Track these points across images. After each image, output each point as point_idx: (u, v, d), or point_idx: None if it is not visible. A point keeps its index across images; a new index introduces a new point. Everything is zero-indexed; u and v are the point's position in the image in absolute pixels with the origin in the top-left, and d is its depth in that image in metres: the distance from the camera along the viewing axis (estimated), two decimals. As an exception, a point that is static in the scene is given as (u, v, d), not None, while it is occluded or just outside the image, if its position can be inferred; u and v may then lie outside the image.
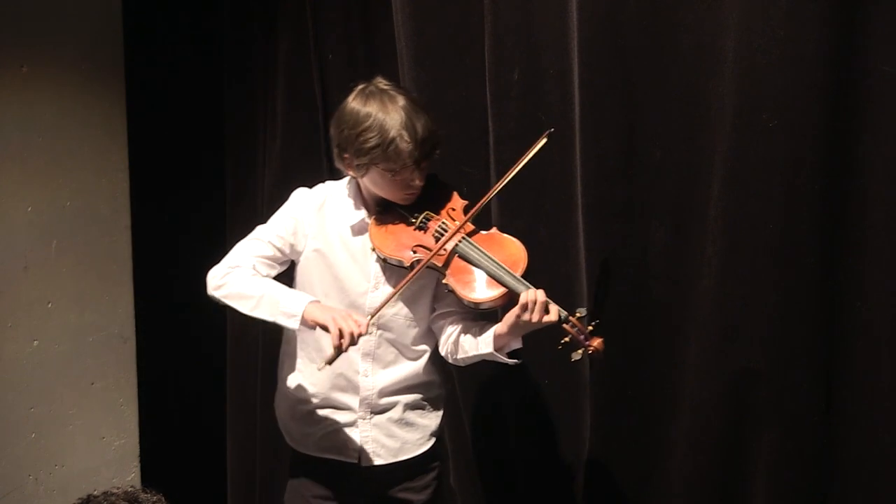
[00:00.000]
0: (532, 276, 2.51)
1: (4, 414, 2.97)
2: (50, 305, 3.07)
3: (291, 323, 2.34)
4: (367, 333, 2.31)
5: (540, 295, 2.24)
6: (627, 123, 2.44)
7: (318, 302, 2.37)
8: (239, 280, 2.39)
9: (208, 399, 3.56)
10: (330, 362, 2.30)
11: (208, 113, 3.44)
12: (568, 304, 2.41)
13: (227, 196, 3.43)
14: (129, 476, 3.35)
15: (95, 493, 1.82)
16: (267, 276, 2.43)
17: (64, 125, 3.07)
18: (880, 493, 2.28)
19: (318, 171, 2.79)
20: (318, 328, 2.33)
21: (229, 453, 3.53)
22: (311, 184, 2.50)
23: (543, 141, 2.35)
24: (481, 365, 2.76)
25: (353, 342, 2.27)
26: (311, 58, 3.09)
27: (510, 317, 2.27)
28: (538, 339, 2.61)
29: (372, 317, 2.34)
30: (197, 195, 3.47)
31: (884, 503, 2.28)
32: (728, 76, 2.27)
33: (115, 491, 1.81)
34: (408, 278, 2.34)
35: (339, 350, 2.26)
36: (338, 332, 2.26)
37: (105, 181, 3.20)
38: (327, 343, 2.31)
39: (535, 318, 2.24)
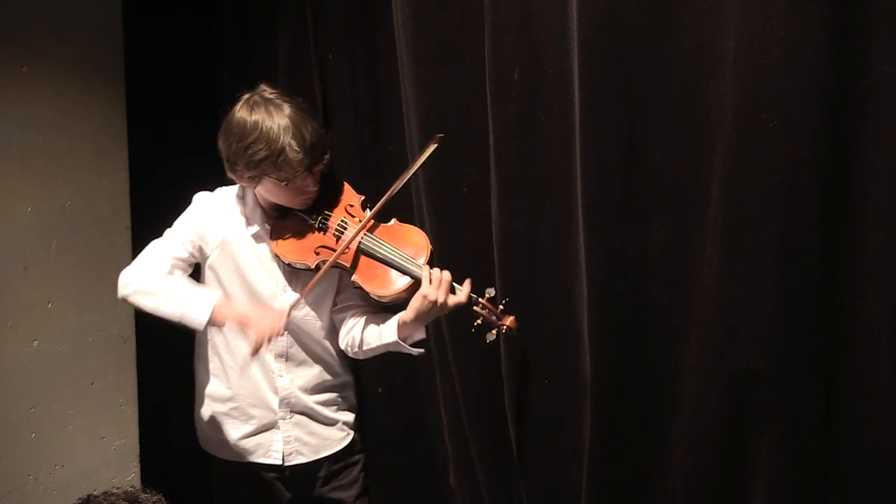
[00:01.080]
0: (532, 276, 2.52)
1: (4, 414, 2.96)
2: (50, 305, 3.07)
3: (200, 316, 2.31)
4: (282, 334, 2.32)
5: (445, 275, 2.24)
6: (627, 123, 2.44)
7: (228, 299, 2.36)
8: (148, 277, 2.37)
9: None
10: (255, 353, 2.30)
11: (208, 113, 3.43)
12: (569, 305, 2.42)
13: (226, 196, 3.43)
14: (129, 476, 3.35)
15: (95, 493, 1.82)
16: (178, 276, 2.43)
17: (64, 125, 3.07)
18: (880, 493, 2.28)
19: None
20: (226, 324, 2.31)
21: (229, 453, 3.53)
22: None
23: (433, 146, 2.36)
24: (481, 365, 2.77)
25: (277, 334, 2.28)
26: (311, 58, 3.09)
27: (416, 301, 2.27)
28: (539, 339, 2.62)
29: (288, 314, 2.35)
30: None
31: (884, 503, 2.28)
32: (728, 76, 2.27)
33: (115, 491, 1.82)
34: (314, 281, 2.34)
35: (257, 348, 2.27)
36: (259, 325, 2.26)
37: (105, 181, 3.20)
38: (238, 345, 2.32)
39: (440, 298, 2.23)
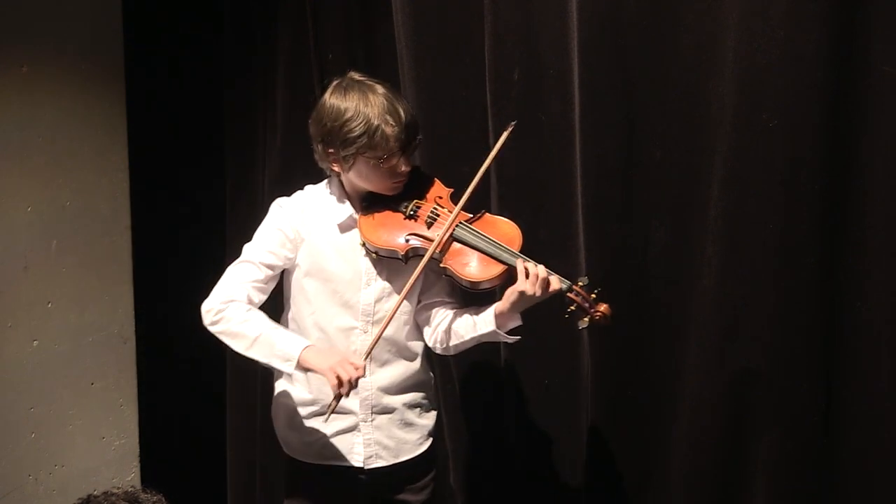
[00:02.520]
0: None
1: (4, 414, 2.96)
2: (50, 305, 3.06)
3: (287, 367, 2.33)
4: (364, 376, 2.31)
5: (541, 270, 2.24)
6: (627, 123, 2.44)
7: (314, 347, 2.36)
8: (234, 317, 2.36)
9: (208, 399, 3.56)
10: (333, 410, 2.31)
11: (208, 113, 3.44)
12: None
13: (227, 196, 3.43)
14: (129, 476, 3.35)
15: (95, 493, 1.82)
16: (260, 301, 2.41)
17: (64, 125, 3.07)
18: (880, 494, 2.28)
19: (318, 171, 2.78)
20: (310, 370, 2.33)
21: (229, 453, 3.53)
22: (314, 181, 2.49)
23: (507, 133, 2.36)
24: (481, 365, 2.77)
25: (354, 387, 2.28)
26: (311, 58, 3.09)
27: (511, 293, 2.26)
28: (539, 340, 2.62)
29: (367, 356, 2.34)
30: (197, 195, 3.46)
31: (884, 503, 2.28)
32: (728, 76, 2.27)
33: (115, 491, 1.81)
34: (417, 271, 2.33)
35: (339, 398, 2.27)
36: (336, 382, 2.26)
37: (105, 181, 3.20)
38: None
39: (538, 291, 2.24)
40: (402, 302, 2.36)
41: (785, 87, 2.21)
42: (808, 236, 2.26)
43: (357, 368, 2.26)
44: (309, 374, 2.36)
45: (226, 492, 3.53)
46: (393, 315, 2.35)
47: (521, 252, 2.28)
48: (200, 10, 3.43)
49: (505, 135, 2.35)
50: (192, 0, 3.42)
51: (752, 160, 2.28)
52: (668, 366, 2.49)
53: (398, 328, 2.45)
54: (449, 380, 2.84)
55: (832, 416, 2.32)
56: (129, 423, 3.34)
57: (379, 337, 2.34)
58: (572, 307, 2.25)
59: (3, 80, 2.90)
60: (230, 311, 2.36)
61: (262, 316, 2.39)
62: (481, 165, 2.35)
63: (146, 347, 3.36)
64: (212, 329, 2.39)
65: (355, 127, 2.31)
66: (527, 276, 2.23)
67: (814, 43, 2.17)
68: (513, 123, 2.37)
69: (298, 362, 2.31)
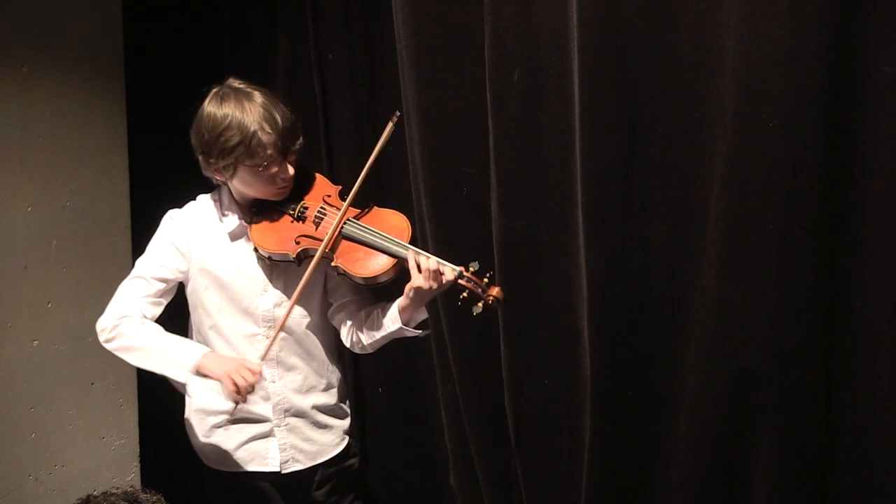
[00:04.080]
0: (532, 275, 2.51)
1: (4, 414, 2.97)
2: (50, 305, 3.07)
3: (180, 376, 2.35)
4: (262, 379, 2.32)
5: (432, 262, 2.25)
6: (627, 123, 2.44)
7: (211, 353, 2.37)
8: (127, 332, 2.39)
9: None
10: (233, 415, 2.32)
11: (208, 113, 3.43)
12: (569, 305, 2.42)
13: (227, 196, 3.43)
14: (129, 476, 3.35)
15: (95, 493, 1.83)
16: (154, 315, 2.44)
17: (64, 125, 3.07)
18: (880, 494, 2.28)
19: (318, 171, 2.79)
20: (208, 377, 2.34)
21: (229, 453, 3.53)
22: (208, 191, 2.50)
23: (390, 125, 2.37)
24: (481, 365, 2.77)
25: (251, 390, 2.29)
26: (311, 58, 3.09)
27: (409, 288, 2.28)
28: (539, 339, 2.62)
29: (263, 357, 2.35)
30: (197, 195, 3.45)
31: (884, 503, 2.28)
32: (728, 76, 2.27)
33: (114, 491, 1.82)
34: (307, 274, 2.33)
35: (237, 403, 2.29)
36: (233, 387, 2.27)
37: (105, 181, 3.20)
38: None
39: (432, 284, 2.25)
40: (293, 304, 2.36)
41: (785, 87, 2.21)
42: (808, 236, 2.25)
43: (253, 373, 2.27)
44: (221, 384, 2.37)
45: (226, 492, 3.53)
46: (286, 318, 2.36)
47: (412, 243, 2.28)
48: (200, 10, 3.43)
49: (390, 125, 2.36)
50: (192, 0, 3.42)
51: (752, 160, 2.27)
52: (668, 366, 2.49)
53: (301, 331, 2.46)
54: (449, 380, 2.84)
55: (832, 416, 2.31)
56: (129, 423, 3.34)
57: (274, 340, 2.36)
58: (464, 294, 2.26)
59: (3, 80, 2.90)
60: (123, 327, 2.38)
61: (157, 328, 2.40)
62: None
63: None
64: (107, 346, 2.41)
65: (232, 136, 2.31)
66: (419, 269, 2.24)
67: (814, 43, 2.17)
68: (397, 114, 2.38)
69: (197, 369, 2.32)
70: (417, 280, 2.25)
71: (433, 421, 3.02)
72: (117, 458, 3.31)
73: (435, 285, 2.25)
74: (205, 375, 2.33)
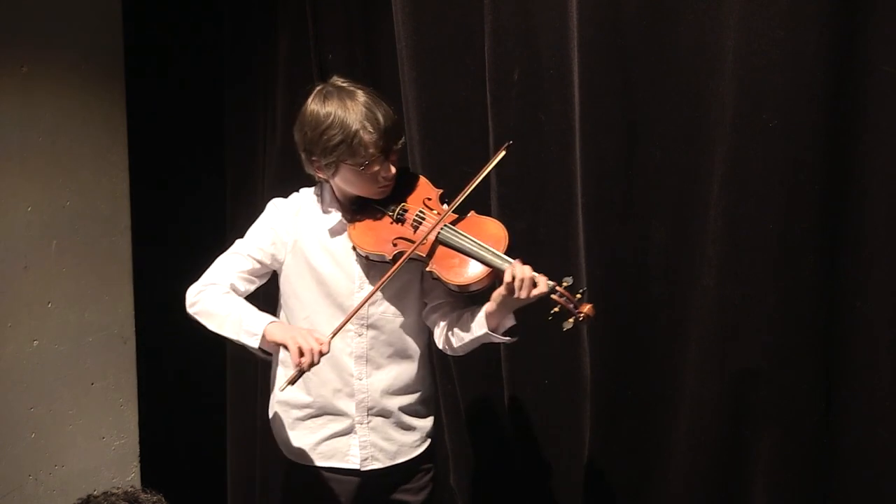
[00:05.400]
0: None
1: (4, 414, 2.96)
2: (50, 305, 3.07)
3: (252, 342, 2.33)
4: (327, 352, 2.30)
5: (527, 271, 2.23)
6: (627, 123, 2.44)
7: (279, 322, 2.36)
8: (211, 298, 2.38)
9: (208, 399, 3.56)
10: (292, 382, 2.29)
11: (208, 113, 3.44)
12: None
13: (227, 196, 3.43)
14: (129, 476, 3.35)
15: (95, 493, 1.82)
16: (245, 291, 2.43)
17: (64, 125, 3.07)
18: (880, 494, 2.28)
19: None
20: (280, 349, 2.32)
21: (229, 453, 3.53)
22: (313, 182, 2.50)
23: (503, 152, 2.37)
24: (481, 365, 2.77)
25: (315, 361, 2.26)
26: (311, 58, 3.09)
27: (498, 294, 2.26)
28: (540, 339, 2.62)
29: (333, 335, 2.33)
30: (197, 195, 3.47)
31: (884, 503, 2.28)
32: (728, 76, 2.27)
33: (115, 491, 1.82)
34: (391, 271, 2.33)
35: (300, 370, 2.26)
36: (297, 351, 2.24)
37: (105, 181, 3.20)
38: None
39: (523, 293, 2.23)
40: (374, 293, 2.35)
41: (785, 87, 2.21)
42: (808, 236, 2.26)
43: (319, 342, 2.26)
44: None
45: (225, 492, 3.53)
46: (363, 303, 2.35)
47: (507, 253, 2.28)
48: (200, 10, 3.43)
49: (502, 153, 2.36)
50: (192, 0, 3.42)
51: (752, 160, 2.28)
52: (668, 366, 2.49)
53: (393, 329, 2.45)
54: (449, 380, 2.84)
55: (832, 416, 2.31)
56: (129, 423, 3.34)
57: (348, 319, 2.34)
58: (556, 308, 2.24)
59: (3, 80, 2.90)
60: (208, 293, 2.38)
61: (238, 298, 2.39)
62: (482, 167, 2.35)
63: (146, 347, 3.36)
64: (190, 311, 2.40)
65: (334, 135, 2.30)
66: (513, 279, 2.23)
67: (814, 43, 2.17)
68: (508, 143, 2.38)
69: (263, 336, 2.31)
70: (508, 289, 2.23)
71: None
72: (117, 458, 3.31)
73: (525, 294, 2.24)
74: (272, 341, 2.32)
